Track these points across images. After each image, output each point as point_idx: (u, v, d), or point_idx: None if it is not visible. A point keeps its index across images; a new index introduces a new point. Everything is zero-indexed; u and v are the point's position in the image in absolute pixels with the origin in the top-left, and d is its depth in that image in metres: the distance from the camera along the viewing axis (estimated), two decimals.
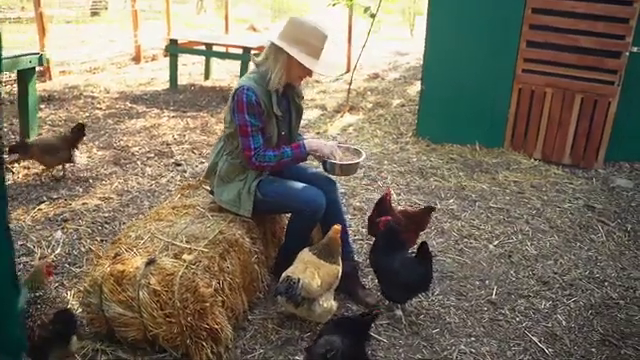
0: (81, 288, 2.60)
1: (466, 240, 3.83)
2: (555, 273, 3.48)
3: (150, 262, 2.50)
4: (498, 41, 5.39)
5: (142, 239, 2.70)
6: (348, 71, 9.76)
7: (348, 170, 3.01)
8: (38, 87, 6.85)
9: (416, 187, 4.68)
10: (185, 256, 2.53)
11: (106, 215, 3.67)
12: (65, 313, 2.25)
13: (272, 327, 2.78)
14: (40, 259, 3.05)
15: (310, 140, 2.87)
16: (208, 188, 3.10)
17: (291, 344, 2.68)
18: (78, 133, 4.21)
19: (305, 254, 2.77)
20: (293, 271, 2.63)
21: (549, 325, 2.97)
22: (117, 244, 2.69)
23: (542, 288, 3.32)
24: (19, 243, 3.22)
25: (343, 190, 4.50)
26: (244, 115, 2.70)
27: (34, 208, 3.67)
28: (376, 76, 9.66)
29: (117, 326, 2.52)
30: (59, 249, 3.21)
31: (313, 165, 3.87)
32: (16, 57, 4.05)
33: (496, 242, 3.83)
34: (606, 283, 3.40)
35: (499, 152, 5.59)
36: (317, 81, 8.96)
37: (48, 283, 2.39)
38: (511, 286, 3.32)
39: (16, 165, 4.30)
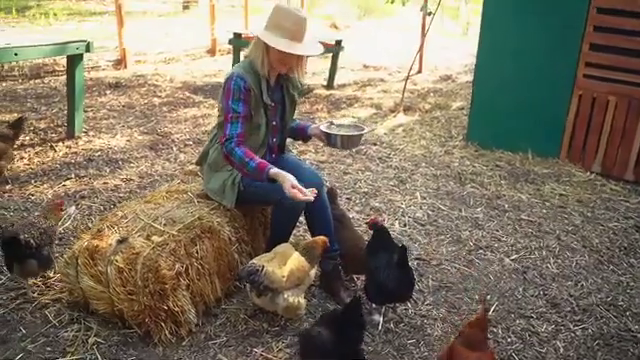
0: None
1: (481, 251, 3.59)
2: (570, 296, 3.17)
3: (122, 240, 2.58)
4: (558, 43, 5.00)
5: (126, 218, 2.80)
6: (420, 71, 9.56)
7: (349, 142, 3.01)
8: (111, 75, 7.38)
9: (446, 192, 4.46)
10: (154, 237, 2.60)
11: (121, 195, 3.86)
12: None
13: (243, 317, 2.77)
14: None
15: (278, 171, 2.63)
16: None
17: (255, 336, 2.66)
18: (17, 127, 4.11)
19: (282, 246, 2.75)
20: (260, 259, 2.62)
21: (543, 350, 2.71)
22: (103, 221, 2.82)
23: (549, 310, 3.03)
24: (36, 214, 3.47)
25: (366, 189, 4.40)
26: (228, 101, 2.72)
27: (60, 184, 3.94)
28: (448, 78, 9.36)
29: (90, 298, 2.64)
30: (68, 223, 3.41)
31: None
32: (65, 43, 4.36)
33: (514, 256, 3.56)
34: (628, 313, 3.04)
35: (553, 162, 5.19)
36: (382, 80, 8.84)
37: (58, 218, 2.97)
38: (514, 304, 3.06)
39: (60, 143, 4.66)
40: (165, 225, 2.72)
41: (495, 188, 4.61)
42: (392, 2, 7.01)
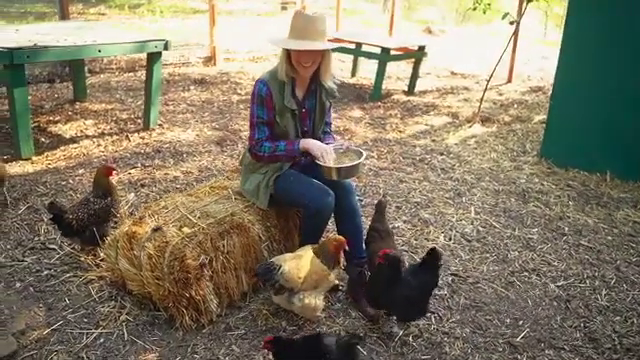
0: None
1: (525, 274, 3.43)
2: (615, 332, 2.94)
3: (156, 229, 2.77)
4: None
5: (167, 209, 3.00)
6: (509, 81, 9.18)
7: (345, 173, 2.84)
8: (198, 71, 7.81)
9: (503, 209, 4.28)
10: (185, 229, 2.76)
11: (178, 186, 4.11)
12: None
13: (265, 313, 2.86)
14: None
15: (306, 140, 2.86)
16: None
17: (272, 332, 2.74)
18: None
19: (304, 248, 2.81)
20: (279, 258, 2.71)
21: None
22: (147, 209, 3.04)
23: (585, 344, 2.84)
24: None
25: (419, 199, 4.34)
26: (253, 106, 2.88)
27: (126, 171, 4.27)
28: (538, 89, 8.89)
29: (127, 279, 2.87)
30: (125, 208, 3.70)
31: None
32: (145, 42, 4.73)
33: (561, 283, 3.36)
34: None
35: (634, 186, 4.81)
36: (466, 88, 8.59)
37: (113, 186, 3.26)
38: (547, 333, 2.90)
39: (135, 134, 5.05)
40: (199, 218, 2.88)
41: (560, 209, 4.36)
42: (474, 9, 6.80)
